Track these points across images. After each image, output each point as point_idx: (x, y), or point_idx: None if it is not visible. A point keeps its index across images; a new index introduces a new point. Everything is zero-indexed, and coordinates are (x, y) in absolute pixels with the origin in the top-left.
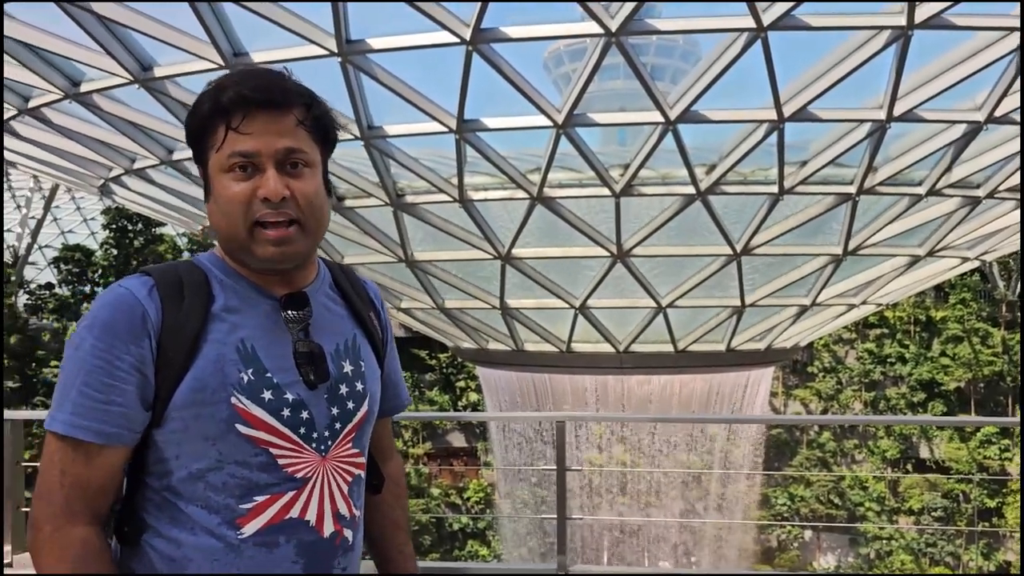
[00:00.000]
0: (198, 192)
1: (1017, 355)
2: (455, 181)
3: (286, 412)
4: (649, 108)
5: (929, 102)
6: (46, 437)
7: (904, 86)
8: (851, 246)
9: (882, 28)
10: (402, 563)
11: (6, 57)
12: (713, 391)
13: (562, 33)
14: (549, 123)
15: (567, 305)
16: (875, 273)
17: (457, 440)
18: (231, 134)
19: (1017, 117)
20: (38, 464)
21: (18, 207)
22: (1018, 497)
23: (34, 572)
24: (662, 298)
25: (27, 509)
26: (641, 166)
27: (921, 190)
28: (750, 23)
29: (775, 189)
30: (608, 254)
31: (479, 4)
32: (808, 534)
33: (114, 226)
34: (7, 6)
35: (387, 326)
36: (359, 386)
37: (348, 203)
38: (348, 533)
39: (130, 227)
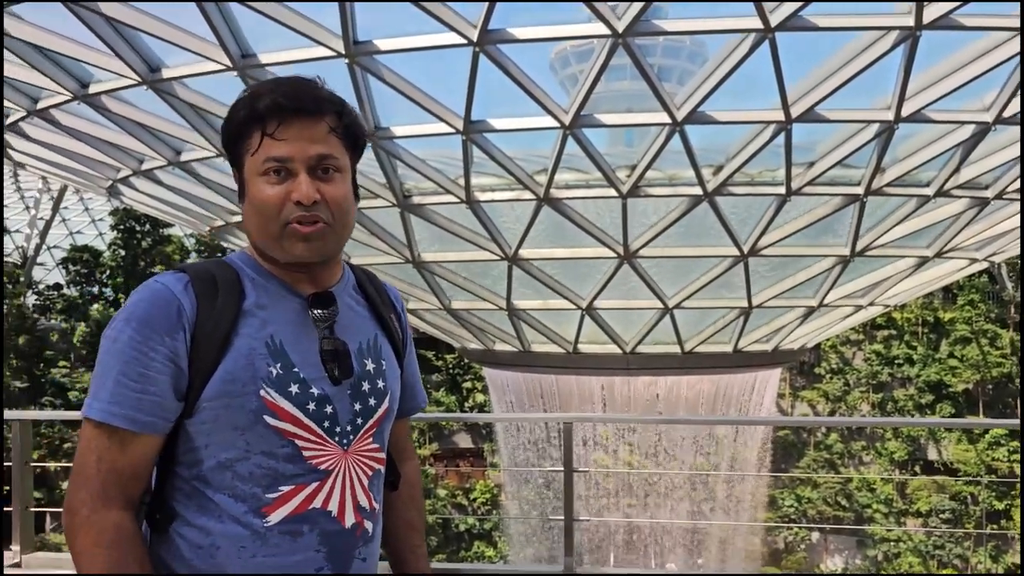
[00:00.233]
0: (205, 193)
1: None
2: (462, 182)
3: (311, 406)
4: (656, 109)
5: (937, 103)
6: (83, 425)
7: (912, 87)
8: (859, 247)
9: (890, 29)
10: (415, 563)
11: (16, 59)
12: (720, 392)
13: (569, 34)
14: (556, 124)
15: (574, 306)
16: (883, 274)
17: (464, 441)
18: (266, 140)
19: None
20: (47, 464)
21: (27, 208)
22: None
23: (43, 572)
24: (669, 299)
25: (36, 509)
26: (648, 167)
27: (929, 191)
28: (757, 24)
29: (782, 190)
30: (615, 255)
31: (486, 5)
32: (815, 536)
33: (122, 227)
34: (17, 8)
35: (406, 328)
36: (380, 384)
37: None
38: (368, 524)
39: (138, 228)
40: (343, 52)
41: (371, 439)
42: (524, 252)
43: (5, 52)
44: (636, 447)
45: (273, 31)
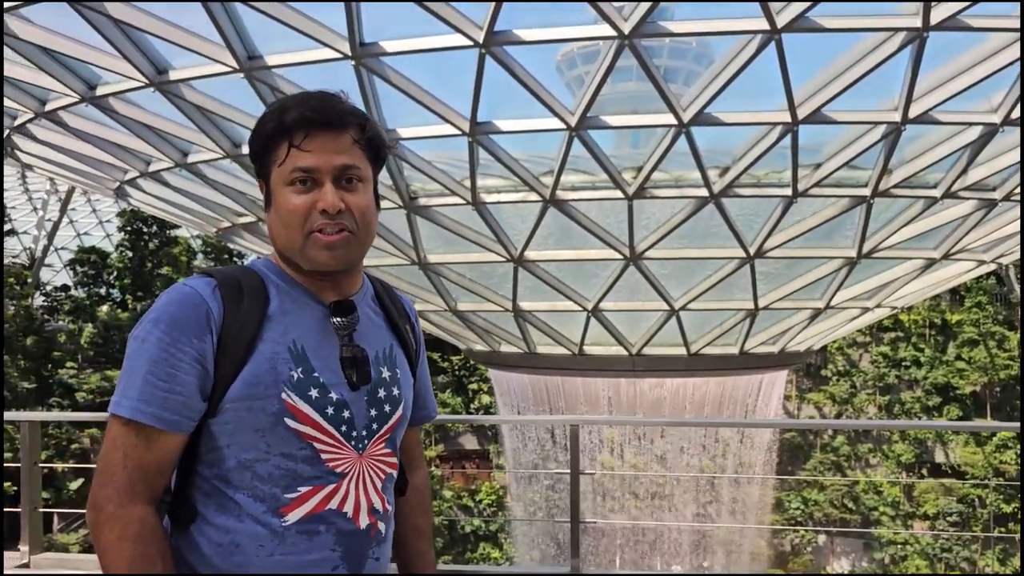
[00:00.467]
0: (212, 194)
1: None
2: (468, 184)
3: (330, 410)
4: (662, 110)
5: (945, 104)
6: (109, 422)
7: (919, 88)
8: (865, 249)
9: (897, 30)
10: (422, 568)
11: (24, 61)
12: (726, 394)
13: (575, 36)
14: (562, 125)
15: (579, 308)
16: (890, 276)
17: (469, 442)
18: (293, 151)
19: None
20: (54, 465)
21: (35, 209)
22: None
23: (52, 572)
24: (675, 301)
25: (44, 509)
26: (654, 169)
27: (936, 193)
28: (764, 25)
29: (789, 192)
30: (621, 257)
31: (492, 6)
32: (822, 538)
33: (129, 228)
34: (25, 10)
35: (420, 340)
36: (395, 391)
37: None
38: (381, 526)
39: (145, 229)
40: (349, 54)
41: (385, 444)
42: (530, 254)
43: (14, 54)
44: (641, 449)
45: (279, 33)
